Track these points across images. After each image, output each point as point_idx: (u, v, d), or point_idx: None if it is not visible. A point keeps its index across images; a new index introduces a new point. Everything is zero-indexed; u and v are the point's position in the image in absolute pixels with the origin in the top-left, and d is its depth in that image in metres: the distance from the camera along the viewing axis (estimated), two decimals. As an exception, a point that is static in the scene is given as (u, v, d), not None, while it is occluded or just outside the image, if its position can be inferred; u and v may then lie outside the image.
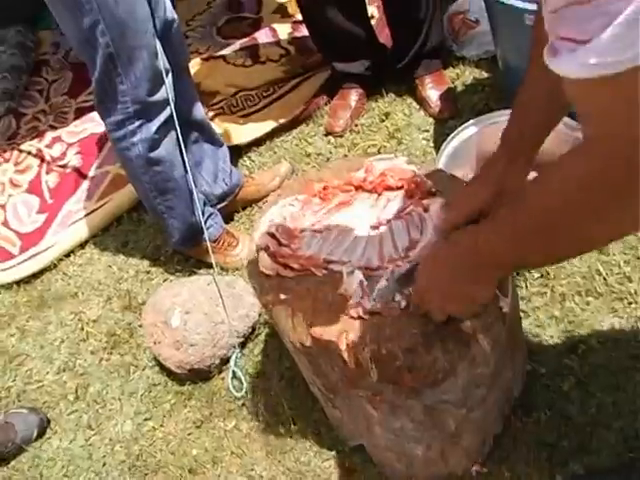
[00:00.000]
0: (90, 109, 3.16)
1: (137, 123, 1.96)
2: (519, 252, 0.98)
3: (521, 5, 1.88)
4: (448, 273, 1.12)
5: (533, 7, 1.86)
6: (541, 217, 0.89)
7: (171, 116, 1.96)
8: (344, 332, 1.23)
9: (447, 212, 1.31)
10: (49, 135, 3.18)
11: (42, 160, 3.05)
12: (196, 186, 2.17)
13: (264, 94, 2.87)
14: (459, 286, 1.12)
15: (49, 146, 3.11)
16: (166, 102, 1.95)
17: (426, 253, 1.27)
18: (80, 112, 3.22)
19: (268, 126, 2.72)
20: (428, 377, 1.26)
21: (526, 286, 1.92)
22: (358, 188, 1.49)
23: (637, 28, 0.60)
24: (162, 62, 1.89)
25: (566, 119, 2.02)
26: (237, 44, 3.16)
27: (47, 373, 2.23)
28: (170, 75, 1.95)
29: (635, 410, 1.64)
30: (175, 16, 2.04)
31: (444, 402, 1.35)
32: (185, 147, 2.06)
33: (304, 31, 2.86)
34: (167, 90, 1.93)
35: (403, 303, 1.23)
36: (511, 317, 1.40)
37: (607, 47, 0.62)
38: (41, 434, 2.05)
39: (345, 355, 1.24)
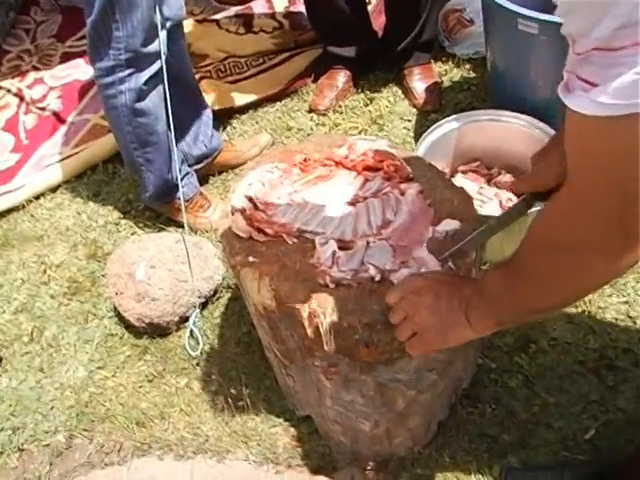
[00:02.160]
0: (77, 55, 3.15)
1: (127, 72, 1.94)
2: (512, 293, 1.01)
3: (515, 9, 1.91)
4: (448, 297, 1.10)
5: (527, 12, 1.89)
6: (532, 270, 0.96)
7: (161, 70, 1.95)
8: (308, 300, 1.26)
9: (523, 184, 1.33)
10: (31, 76, 3.15)
11: (21, 100, 3.02)
12: (176, 144, 2.17)
13: (253, 63, 2.89)
14: (447, 315, 1.10)
15: (30, 87, 3.08)
16: (157, 55, 1.94)
17: (437, 274, 1.23)
18: (66, 57, 3.20)
19: (253, 96, 2.74)
20: (384, 354, 1.29)
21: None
22: (338, 164, 1.51)
23: None
24: (159, 15, 1.89)
25: (521, 116, 2.08)
26: (232, 10, 3.17)
27: (3, 312, 2.22)
28: (164, 30, 1.94)
29: (575, 413, 1.71)
30: None
31: (396, 381, 1.38)
32: (171, 103, 2.05)
33: (300, 7, 2.87)
34: (160, 43, 1.92)
35: (378, 277, 1.26)
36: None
37: (621, 91, 0.67)
38: None
39: (306, 323, 1.26)
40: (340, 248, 1.31)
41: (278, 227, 1.38)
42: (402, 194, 1.41)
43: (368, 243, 1.30)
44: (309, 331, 1.28)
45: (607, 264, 0.86)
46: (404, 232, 1.33)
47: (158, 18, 1.87)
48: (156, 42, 1.92)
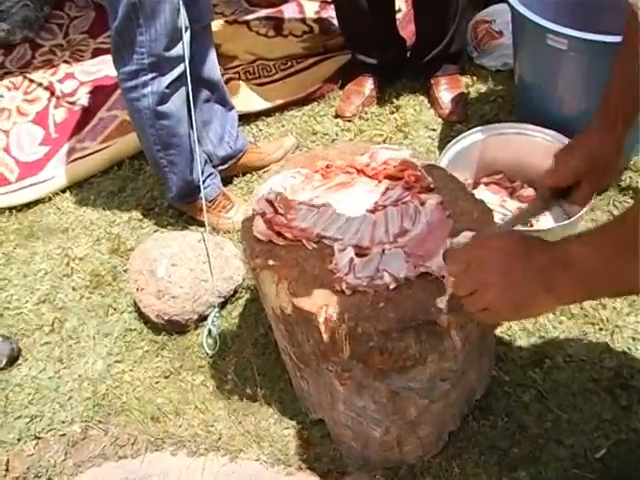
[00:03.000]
0: (108, 51, 3.12)
1: (150, 76, 1.98)
2: (611, 270, 0.92)
3: (545, 24, 1.92)
4: (521, 271, 0.99)
5: (556, 27, 1.90)
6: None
7: (184, 73, 1.98)
8: (325, 305, 1.28)
9: (545, 177, 1.32)
10: (63, 70, 3.21)
11: (52, 94, 3.07)
12: (201, 145, 2.21)
13: (282, 67, 2.91)
14: (522, 289, 1.00)
15: (61, 81, 3.14)
16: (181, 58, 1.97)
17: (502, 242, 1.07)
18: (97, 52, 3.26)
19: (280, 99, 2.76)
20: (397, 362, 1.30)
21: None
22: (360, 172, 1.54)
23: None
24: (182, 19, 1.92)
25: (547, 130, 2.09)
26: (263, 13, 3.20)
27: (26, 302, 2.26)
28: (188, 33, 1.97)
29: (587, 430, 1.70)
30: None
31: (409, 389, 1.40)
32: (195, 105, 2.09)
33: (331, 12, 2.89)
34: (183, 47, 1.95)
35: (392, 285, 1.28)
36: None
37: None
38: (11, 362, 2.08)
39: (322, 328, 1.29)
40: (357, 255, 1.33)
41: (298, 231, 1.40)
42: (422, 204, 1.43)
43: (383, 250, 1.32)
44: (325, 336, 1.30)
45: None
46: (420, 241, 1.35)
47: (182, 23, 1.91)
48: (179, 46, 1.95)
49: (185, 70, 1.96)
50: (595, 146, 1.28)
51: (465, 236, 1.35)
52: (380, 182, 1.51)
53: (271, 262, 1.38)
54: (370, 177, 1.53)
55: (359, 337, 1.26)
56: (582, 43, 1.84)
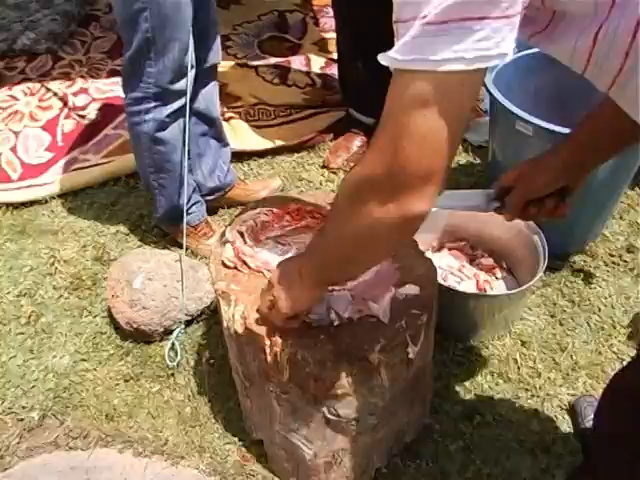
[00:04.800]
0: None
1: (153, 104, 2.13)
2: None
3: (514, 110, 2.08)
4: (289, 281, 1.29)
5: (523, 115, 2.06)
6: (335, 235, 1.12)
7: (184, 106, 2.14)
8: (272, 331, 1.43)
9: (512, 194, 1.40)
10: (78, 84, 3.39)
11: (65, 104, 3.25)
12: (192, 174, 2.36)
13: (280, 114, 3.09)
14: (288, 281, 1.29)
15: (75, 94, 3.32)
16: (183, 92, 2.12)
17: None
18: (113, 73, 3.43)
19: (273, 143, 2.92)
20: (330, 390, 1.45)
21: (450, 353, 2.12)
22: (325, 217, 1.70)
23: None
24: (190, 57, 2.07)
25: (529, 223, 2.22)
26: (272, 61, 3.40)
27: (8, 293, 2.39)
28: (194, 71, 2.12)
29: (505, 486, 1.82)
30: (217, 19, 2.24)
31: (339, 417, 1.54)
32: (191, 137, 2.24)
33: (334, 70, 3.07)
34: (187, 83, 2.11)
35: (336, 322, 1.44)
36: (419, 367, 1.60)
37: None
38: None
39: (267, 350, 1.43)
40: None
41: (261, 263, 1.56)
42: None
43: (332, 291, 1.48)
44: (269, 358, 1.44)
45: (379, 206, 0.97)
46: (367, 287, 1.50)
47: (188, 61, 2.06)
48: (183, 81, 2.10)
49: (186, 103, 2.13)
50: (560, 168, 1.33)
51: (408, 288, 1.52)
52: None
53: (233, 286, 1.54)
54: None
55: (298, 362, 1.41)
56: (545, 131, 1.99)
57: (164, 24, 1.97)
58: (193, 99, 2.19)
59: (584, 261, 2.42)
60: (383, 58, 0.90)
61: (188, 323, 2.23)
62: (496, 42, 0.83)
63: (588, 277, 2.36)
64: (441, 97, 0.87)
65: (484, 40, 0.82)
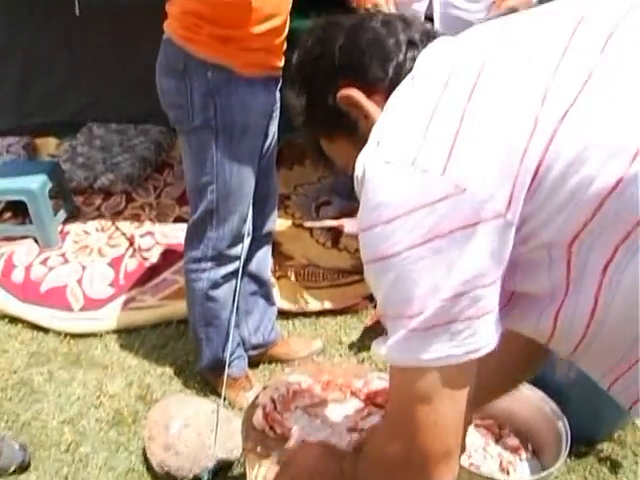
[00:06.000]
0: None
1: (209, 265, 2.32)
2: None
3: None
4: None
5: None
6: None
7: (238, 269, 2.32)
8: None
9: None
10: (146, 227, 3.63)
11: (131, 244, 3.48)
12: (238, 329, 2.52)
13: (329, 277, 3.23)
14: None
15: (142, 236, 3.55)
16: (238, 257, 2.32)
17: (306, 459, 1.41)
18: (179, 219, 3.67)
19: (320, 305, 3.07)
20: None
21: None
22: (353, 394, 1.84)
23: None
24: (247, 226, 2.28)
25: (553, 404, 2.25)
26: (326, 224, 3.56)
27: (53, 419, 2.53)
28: (250, 238, 2.32)
29: None
30: (277, 188, 2.47)
31: None
32: (241, 296, 2.40)
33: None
34: (242, 249, 2.30)
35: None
36: None
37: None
38: (20, 470, 2.29)
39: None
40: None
41: (287, 430, 1.69)
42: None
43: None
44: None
45: None
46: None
47: (245, 230, 2.26)
48: (239, 247, 2.30)
49: (239, 267, 2.31)
50: None
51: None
52: (366, 406, 1.81)
53: (259, 449, 1.67)
54: (360, 399, 1.83)
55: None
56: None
57: (227, 197, 2.18)
58: (247, 262, 2.38)
59: (612, 449, 2.40)
60: (378, 348, 0.96)
61: (216, 472, 2.29)
62: (481, 336, 0.89)
63: (615, 466, 2.35)
64: (442, 387, 0.91)
65: (470, 337, 0.89)
